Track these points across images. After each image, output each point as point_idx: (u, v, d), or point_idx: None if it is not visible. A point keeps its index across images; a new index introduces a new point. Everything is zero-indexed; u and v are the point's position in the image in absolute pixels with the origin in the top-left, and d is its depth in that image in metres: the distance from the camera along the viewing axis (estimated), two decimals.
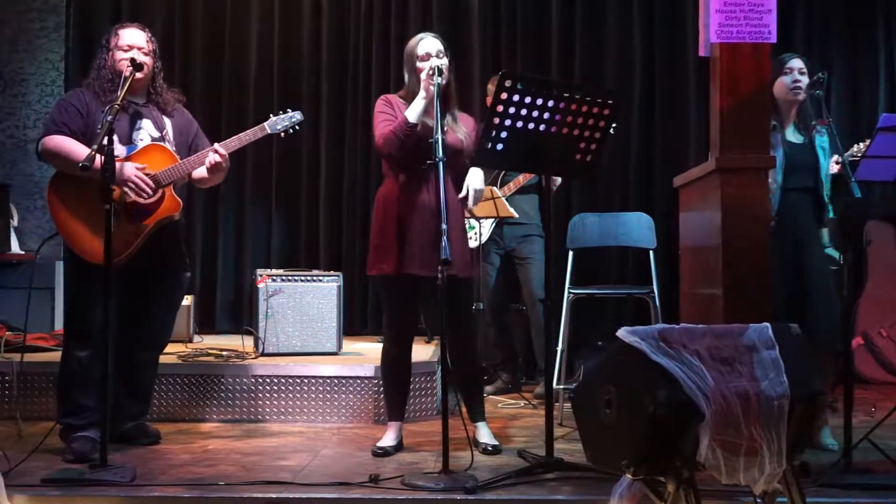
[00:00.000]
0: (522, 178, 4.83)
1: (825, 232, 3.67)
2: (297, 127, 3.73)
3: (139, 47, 3.49)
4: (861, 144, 4.27)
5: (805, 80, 3.56)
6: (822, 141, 3.60)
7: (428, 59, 3.41)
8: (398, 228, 3.44)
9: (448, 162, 3.23)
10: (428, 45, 3.48)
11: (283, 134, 3.71)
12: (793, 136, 3.61)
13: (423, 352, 4.55)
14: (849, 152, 3.94)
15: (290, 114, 3.72)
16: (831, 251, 3.67)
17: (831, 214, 3.63)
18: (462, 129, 3.53)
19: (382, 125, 3.46)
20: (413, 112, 3.38)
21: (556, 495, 2.84)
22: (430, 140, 3.18)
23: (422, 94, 3.37)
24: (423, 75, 3.37)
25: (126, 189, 3.35)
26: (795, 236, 3.50)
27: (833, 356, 3.43)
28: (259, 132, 3.64)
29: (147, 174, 3.40)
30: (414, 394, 4.10)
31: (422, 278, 3.40)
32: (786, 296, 3.39)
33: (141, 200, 3.41)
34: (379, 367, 4.12)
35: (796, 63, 3.58)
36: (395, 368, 3.62)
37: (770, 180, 3.42)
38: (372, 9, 6.07)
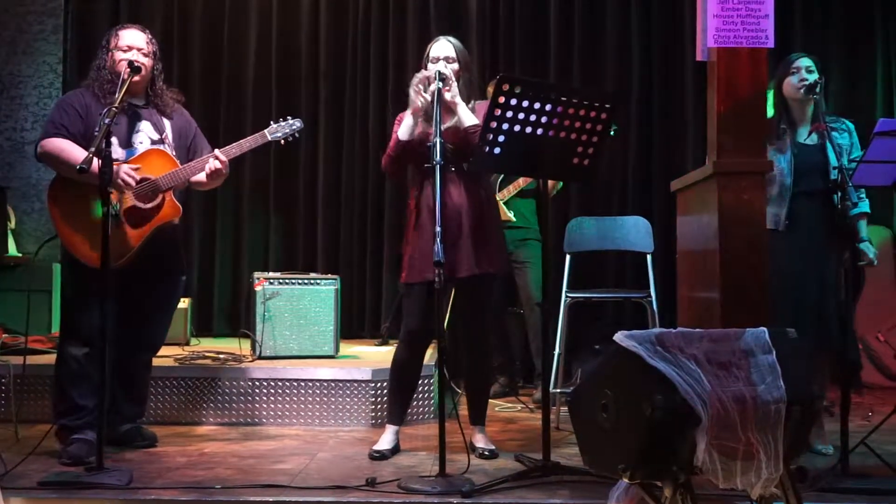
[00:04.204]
0: (522, 182, 4.83)
1: (863, 224, 3.60)
2: (296, 135, 3.73)
3: (139, 48, 3.49)
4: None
5: (812, 77, 3.54)
6: (840, 138, 3.54)
7: (435, 64, 3.38)
8: (414, 234, 3.44)
9: (457, 160, 3.22)
10: (436, 49, 3.46)
11: (282, 142, 3.71)
12: (806, 137, 3.60)
13: None
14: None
15: (291, 121, 3.72)
16: (866, 246, 3.59)
17: (865, 208, 3.57)
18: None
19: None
20: (403, 130, 3.38)
21: (552, 499, 2.84)
22: (428, 144, 3.18)
23: (409, 109, 3.37)
24: (410, 91, 3.35)
25: (116, 184, 3.32)
26: (800, 241, 3.49)
27: (835, 360, 3.40)
28: (259, 139, 3.65)
29: (148, 180, 3.40)
30: None
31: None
32: (793, 300, 3.38)
33: (140, 205, 3.41)
34: (375, 370, 4.14)
35: (804, 62, 3.59)
36: (402, 372, 3.58)
37: (779, 183, 3.42)
38: (370, 11, 6.07)
